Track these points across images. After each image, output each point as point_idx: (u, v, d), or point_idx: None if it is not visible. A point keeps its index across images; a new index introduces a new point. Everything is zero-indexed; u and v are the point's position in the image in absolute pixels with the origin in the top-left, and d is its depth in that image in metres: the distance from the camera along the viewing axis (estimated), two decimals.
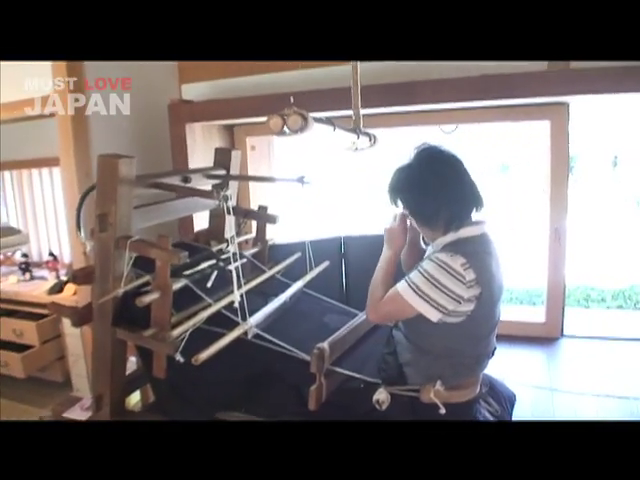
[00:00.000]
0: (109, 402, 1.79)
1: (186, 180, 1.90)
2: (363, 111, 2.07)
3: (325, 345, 1.60)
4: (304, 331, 1.88)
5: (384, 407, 1.54)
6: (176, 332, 1.53)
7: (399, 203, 1.57)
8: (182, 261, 1.58)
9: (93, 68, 2.47)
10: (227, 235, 2.27)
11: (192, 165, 2.96)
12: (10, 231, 3.83)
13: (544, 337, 2.98)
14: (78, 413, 1.87)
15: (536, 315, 3.17)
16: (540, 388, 2.45)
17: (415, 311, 1.45)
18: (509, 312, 3.41)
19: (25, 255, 3.85)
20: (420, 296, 1.43)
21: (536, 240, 3.90)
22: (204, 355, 1.49)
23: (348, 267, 2.49)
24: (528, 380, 2.51)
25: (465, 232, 1.50)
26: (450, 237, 1.51)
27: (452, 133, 3.26)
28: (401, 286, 1.48)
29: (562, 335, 2.99)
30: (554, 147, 2.78)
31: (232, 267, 1.63)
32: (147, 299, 1.56)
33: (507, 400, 1.81)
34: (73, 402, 1.93)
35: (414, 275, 1.47)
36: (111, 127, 2.59)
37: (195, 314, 1.63)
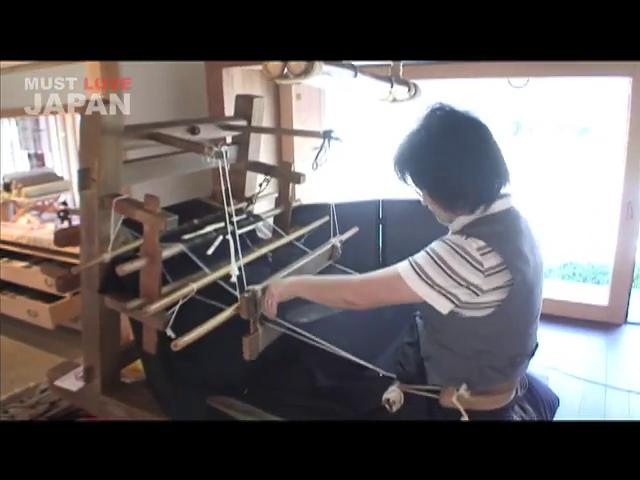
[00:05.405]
0: (100, 374, 1.65)
1: (193, 131, 1.68)
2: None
3: (258, 287, 1.41)
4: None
5: (394, 409, 1.29)
6: (156, 305, 1.34)
7: (408, 179, 1.26)
8: (170, 227, 1.38)
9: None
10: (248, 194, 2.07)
11: (229, 114, 2.74)
12: (52, 177, 3.79)
13: (605, 322, 2.66)
14: (72, 382, 1.74)
15: (599, 296, 2.82)
16: (593, 382, 2.16)
17: (418, 298, 1.19)
18: (568, 290, 3.10)
19: (64, 203, 3.79)
20: (425, 281, 1.17)
21: (609, 211, 3.47)
22: (185, 339, 1.30)
23: (386, 234, 2.22)
24: (580, 371, 2.23)
25: (490, 209, 1.22)
26: (473, 216, 1.23)
27: (523, 88, 2.89)
28: (403, 267, 1.21)
29: (626, 322, 2.66)
30: (635, 108, 2.40)
31: (229, 235, 1.41)
32: (129, 267, 1.38)
33: (547, 406, 1.53)
34: (70, 368, 1.80)
35: (420, 256, 1.20)
36: (145, 73, 2.38)
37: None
